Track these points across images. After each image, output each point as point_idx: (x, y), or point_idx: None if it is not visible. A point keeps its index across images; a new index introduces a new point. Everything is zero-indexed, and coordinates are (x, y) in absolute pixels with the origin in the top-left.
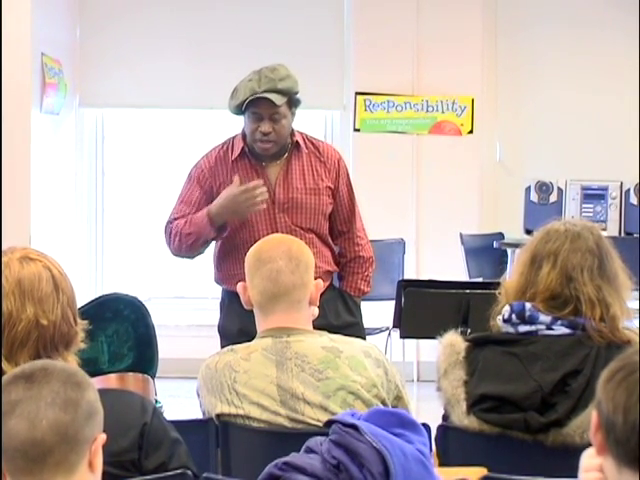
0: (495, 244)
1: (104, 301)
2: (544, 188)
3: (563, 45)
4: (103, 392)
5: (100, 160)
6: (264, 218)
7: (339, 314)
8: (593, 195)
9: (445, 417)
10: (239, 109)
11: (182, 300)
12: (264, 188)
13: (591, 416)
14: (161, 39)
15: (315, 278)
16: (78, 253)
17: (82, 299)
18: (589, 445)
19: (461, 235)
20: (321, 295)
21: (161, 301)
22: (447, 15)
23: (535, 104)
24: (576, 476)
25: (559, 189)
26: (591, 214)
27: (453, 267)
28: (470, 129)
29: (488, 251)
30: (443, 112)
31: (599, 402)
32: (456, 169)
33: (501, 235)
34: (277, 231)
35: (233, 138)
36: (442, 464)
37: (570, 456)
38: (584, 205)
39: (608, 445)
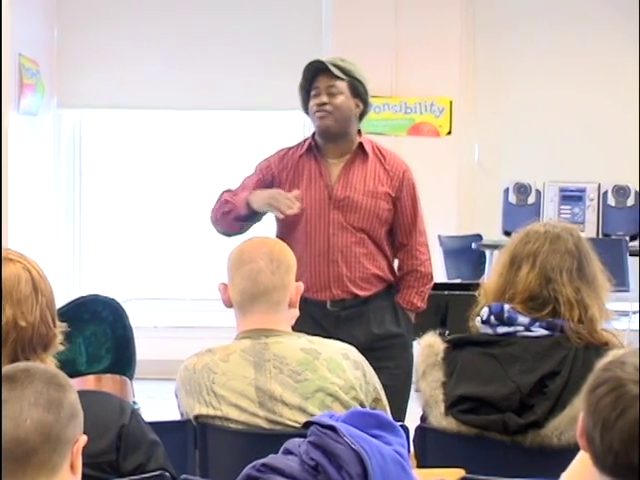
0: (473, 245)
1: (82, 302)
2: (522, 189)
3: (541, 46)
4: (81, 393)
5: (78, 161)
6: (318, 213)
7: (383, 323)
8: (571, 197)
9: (423, 418)
10: (303, 92)
11: (160, 301)
12: (298, 204)
13: (569, 418)
14: (139, 40)
15: (362, 279)
16: (56, 254)
17: (60, 300)
18: (566, 446)
19: (439, 237)
20: (369, 301)
21: (139, 302)
22: (425, 17)
23: (513, 105)
24: (554, 476)
25: (537, 191)
26: (569, 215)
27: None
28: (448, 130)
29: (466, 252)
30: (421, 113)
31: (583, 409)
32: (434, 170)
33: (479, 237)
34: (328, 226)
35: (306, 139)
36: (420, 465)
37: (548, 457)
38: (562, 206)
39: (589, 452)
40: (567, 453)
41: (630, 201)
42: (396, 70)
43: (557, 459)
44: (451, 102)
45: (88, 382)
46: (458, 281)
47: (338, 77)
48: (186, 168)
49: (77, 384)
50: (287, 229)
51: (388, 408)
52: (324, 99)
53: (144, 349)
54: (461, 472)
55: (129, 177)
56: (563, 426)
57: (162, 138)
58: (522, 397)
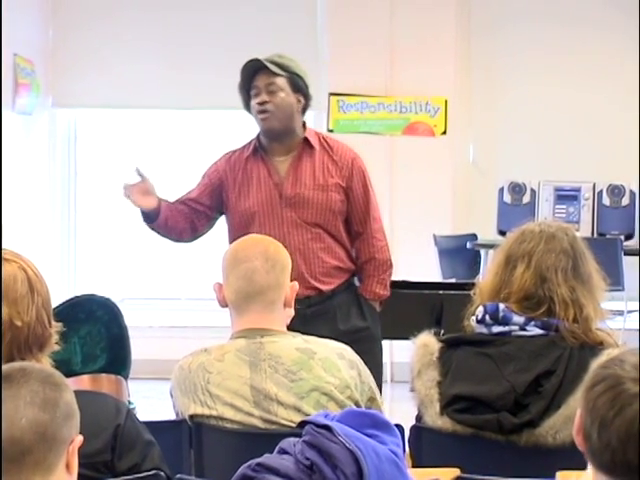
0: (468, 245)
1: (77, 302)
2: (517, 189)
3: (536, 46)
4: (77, 393)
5: (73, 161)
6: (271, 213)
7: (349, 319)
8: (566, 196)
9: (418, 418)
10: (243, 91)
11: (155, 301)
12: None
13: (564, 417)
14: (134, 40)
15: (323, 273)
16: (51, 254)
17: (55, 300)
18: (561, 446)
19: (434, 236)
20: (334, 296)
21: (134, 302)
22: (420, 16)
23: (508, 105)
24: (549, 476)
25: (532, 190)
26: (564, 215)
27: (426, 268)
28: (443, 130)
29: (461, 252)
30: (416, 113)
31: (581, 406)
32: (429, 170)
33: (474, 236)
34: (283, 226)
35: (252, 139)
36: (415, 465)
37: (543, 457)
38: (557, 206)
39: (586, 449)
40: (562, 452)
41: (625, 200)
42: (391, 69)
43: (552, 458)
44: (446, 101)
45: (83, 382)
46: (453, 280)
47: (277, 74)
48: (181, 168)
49: (72, 384)
50: (240, 232)
51: (383, 407)
52: (265, 98)
53: (139, 349)
54: (456, 472)
55: (124, 177)
56: (558, 425)
57: (157, 137)
58: (517, 396)
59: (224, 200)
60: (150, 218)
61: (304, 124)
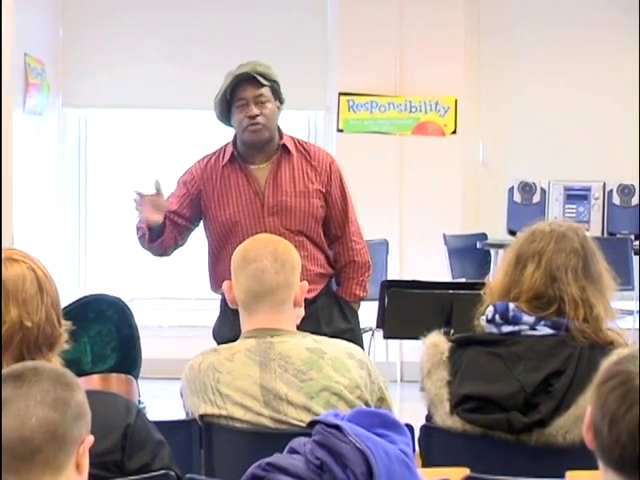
0: (478, 244)
1: (87, 302)
2: (527, 189)
3: (546, 46)
4: (87, 393)
5: (83, 160)
6: (254, 222)
7: (332, 321)
8: (576, 196)
9: (428, 417)
10: (224, 103)
11: (165, 301)
12: (142, 197)
13: (574, 417)
14: (144, 40)
15: (306, 282)
16: (61, 254)
17: (65, 300)
18: (572, 445)
19: (444, 235)
20: (316, 300)
21: (144, 302)
22: (430, 15)
23: (518, 104)
24: (558, 476)
25: (542, 189)
26: (574, 214)
27: (436, 267)
28: (453, 129)
29: (471, 252)
30: (426, 112)
31: (592, 402)
32: (439, 170)
33: (484, 236)
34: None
35: (225, 145)
36: (425, 464)
37: (553, 456)
38: (567, 206)
39: (595, 445)
40: (572, 452)
41: (635, 200)
42: (401, 69)
43: (562, 458)
44: (456, 101)
45: (93, 382)
46: (463, 280)
47: (263, 84)
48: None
49: (82, 383)
50: (223, 243)
51: (393, 407)
52: (255, 111)
53: (149, 348)
54: (466, 471)
55: (134, 176)
56: (568, 425)
57: (168, 137)
58: (527, 396)
59: (203, 209)
60: (152, 237)
61: (279, 128)
